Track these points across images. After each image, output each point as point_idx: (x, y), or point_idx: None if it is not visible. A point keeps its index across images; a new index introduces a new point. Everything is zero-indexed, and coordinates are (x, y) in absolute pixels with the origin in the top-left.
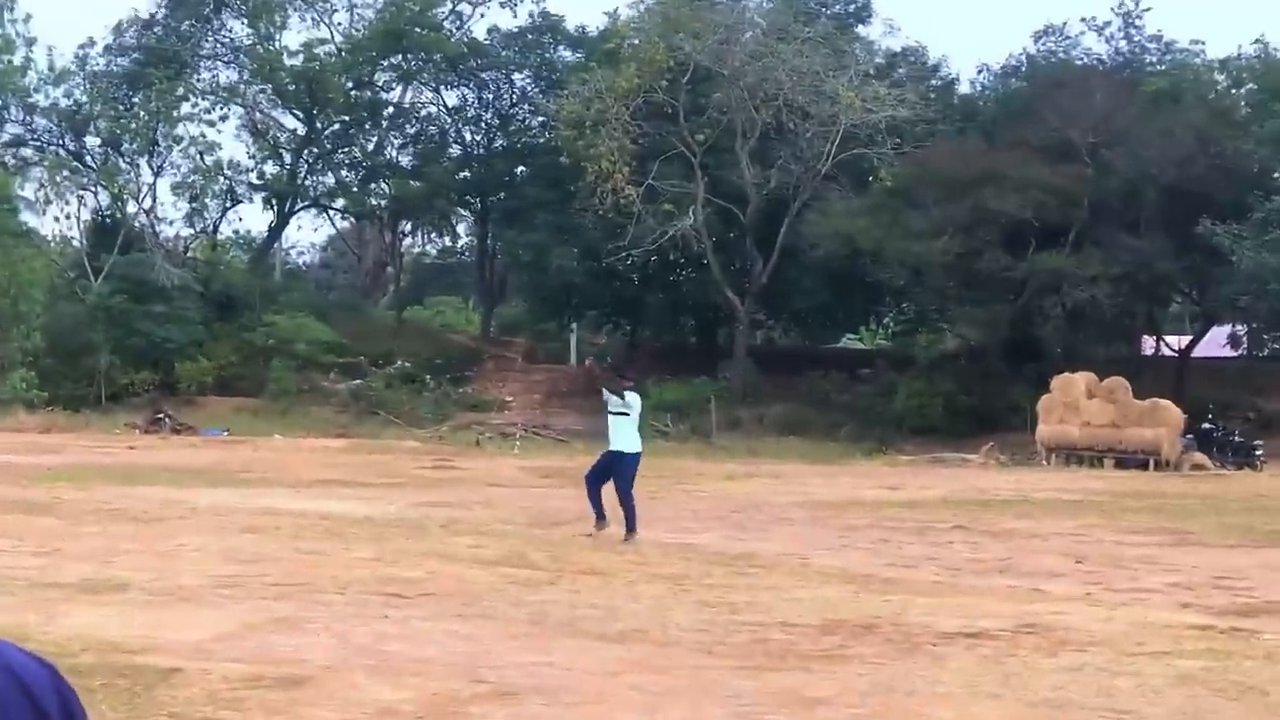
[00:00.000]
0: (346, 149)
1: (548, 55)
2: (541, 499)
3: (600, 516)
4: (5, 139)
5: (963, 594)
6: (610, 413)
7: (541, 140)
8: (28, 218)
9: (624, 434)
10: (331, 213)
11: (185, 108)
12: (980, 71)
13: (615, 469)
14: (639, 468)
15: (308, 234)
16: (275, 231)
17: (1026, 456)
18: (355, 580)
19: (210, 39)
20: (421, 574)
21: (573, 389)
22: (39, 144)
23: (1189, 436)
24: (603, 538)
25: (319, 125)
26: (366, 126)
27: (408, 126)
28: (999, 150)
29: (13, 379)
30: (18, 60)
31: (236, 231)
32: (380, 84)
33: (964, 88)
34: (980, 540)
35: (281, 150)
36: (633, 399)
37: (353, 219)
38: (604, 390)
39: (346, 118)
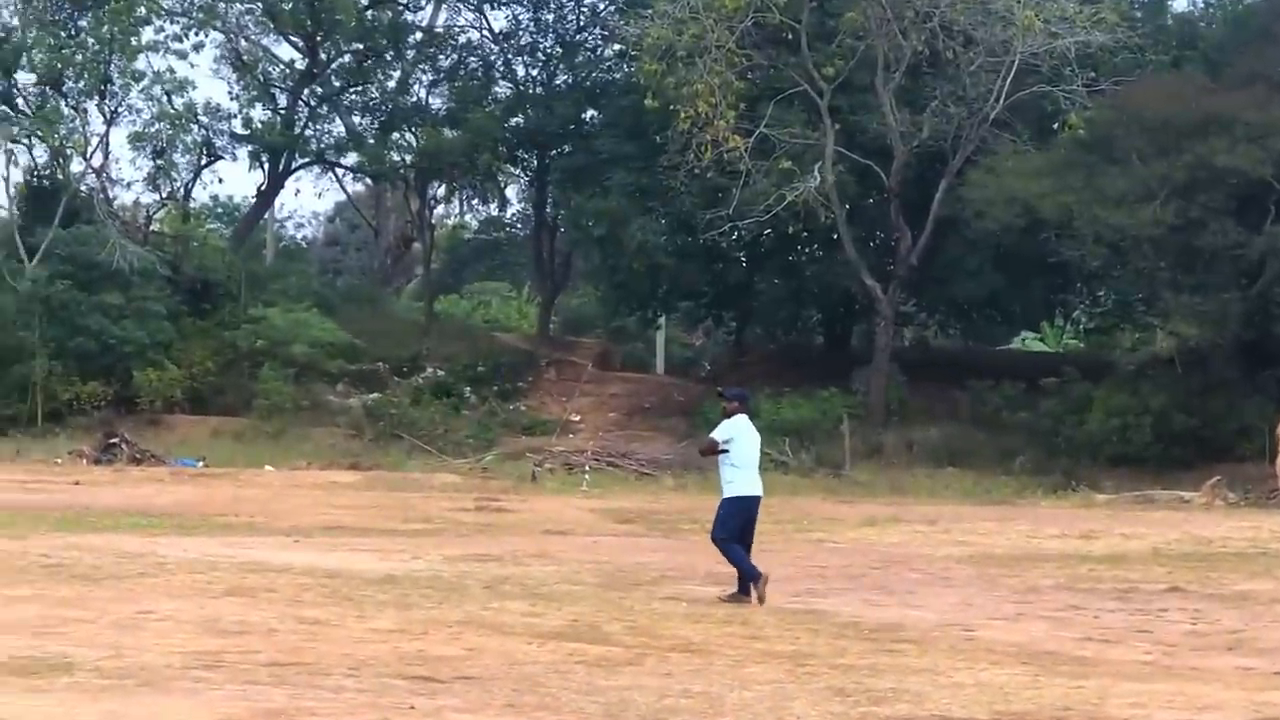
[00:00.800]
0: (360, 88)
1: None
2: (619, 551)
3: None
4: None
5: (1180, 678)
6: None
7: (618, 76)
8: None
9: (722, 474)
10: (340, 172)
11: (148, 34)
12: None
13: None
14: (739, 511)
15: (309, 200)
16: (266, 197)
17: (1265, 495)
18: (372, 659)
19: None
20: (459, 650)
21: (660, 405)
22: None
23: None
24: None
25: (324, 56)
26: (387, 58)
27: (441, 58)
28: (1228, 88)
29: None
30: None
31: (215, 198)
32: (403, 2)
33: (1180, 4)
34: (1204, 607)
35: (274, 90)
36: (734, 427)
37: (368, 180)
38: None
39: (360, 46)
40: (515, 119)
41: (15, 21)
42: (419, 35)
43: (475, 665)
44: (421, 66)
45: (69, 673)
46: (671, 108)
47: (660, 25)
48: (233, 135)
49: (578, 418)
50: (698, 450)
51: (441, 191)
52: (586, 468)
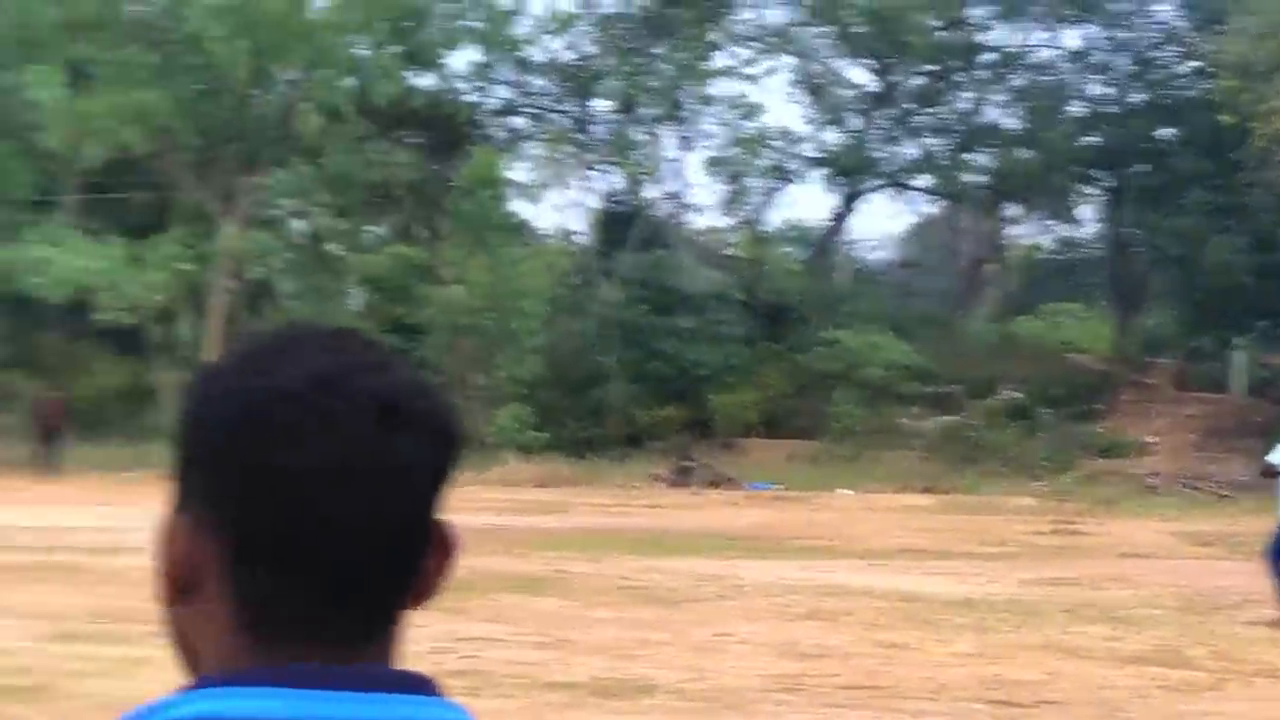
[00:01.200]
0: (932, 109)
1: None
2: (1198, 575)
3: None
4: (492, 105)
5: None
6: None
7: (1194, 92)
8: (520, 207)
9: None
10: (913, 194)
11: (720, 59)
12: None
13: None
14: None
15: (881, 222)
16: (839, 220)
17: None
18: (951, 683)
19: None
20: (1039, 675)
21: (1238, 427)
22: (534, 111)
23: None
24: None
25: (895, 79)
26: (958, 79)
27: (1013, 78)
28: None
29: (502, 417)
30: (508, 2)
31: (787, 221)
32: (975, 22)
33: None
34: None
35: (846, 113)
36: None
37: (943, 201)
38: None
39: (932, 68)
40: (1089, 138)
41: (594, 49)
42: (991, 56)
43: (1055, 690)
44: (993, 87)
45: (650, 694)
46: (1248, 125)
47: (1237, 40)
48: (805, 159)
49: (1154, 439)
50: (1259, 473)
51: (1015, 212)
52: (1166, 489)
